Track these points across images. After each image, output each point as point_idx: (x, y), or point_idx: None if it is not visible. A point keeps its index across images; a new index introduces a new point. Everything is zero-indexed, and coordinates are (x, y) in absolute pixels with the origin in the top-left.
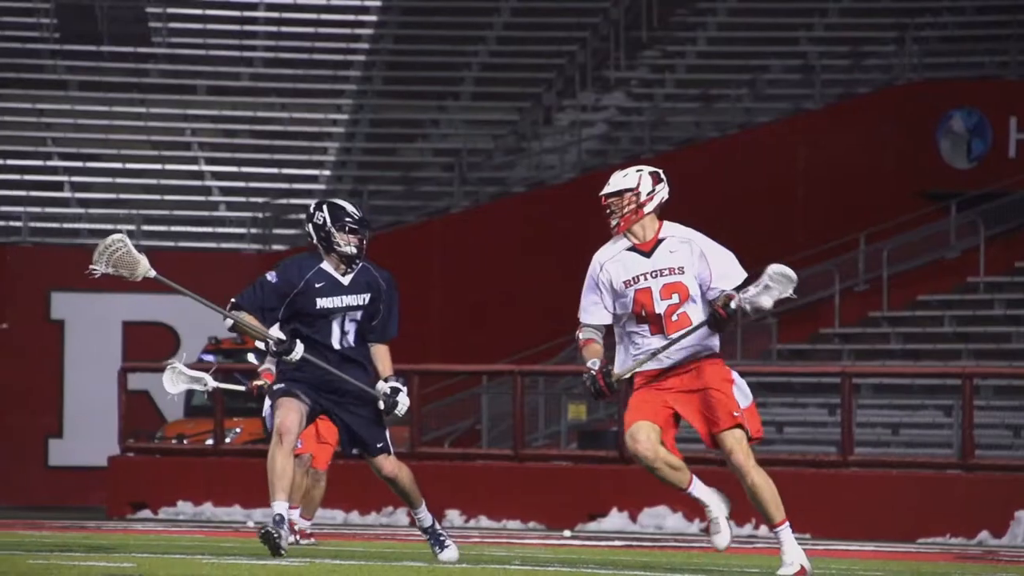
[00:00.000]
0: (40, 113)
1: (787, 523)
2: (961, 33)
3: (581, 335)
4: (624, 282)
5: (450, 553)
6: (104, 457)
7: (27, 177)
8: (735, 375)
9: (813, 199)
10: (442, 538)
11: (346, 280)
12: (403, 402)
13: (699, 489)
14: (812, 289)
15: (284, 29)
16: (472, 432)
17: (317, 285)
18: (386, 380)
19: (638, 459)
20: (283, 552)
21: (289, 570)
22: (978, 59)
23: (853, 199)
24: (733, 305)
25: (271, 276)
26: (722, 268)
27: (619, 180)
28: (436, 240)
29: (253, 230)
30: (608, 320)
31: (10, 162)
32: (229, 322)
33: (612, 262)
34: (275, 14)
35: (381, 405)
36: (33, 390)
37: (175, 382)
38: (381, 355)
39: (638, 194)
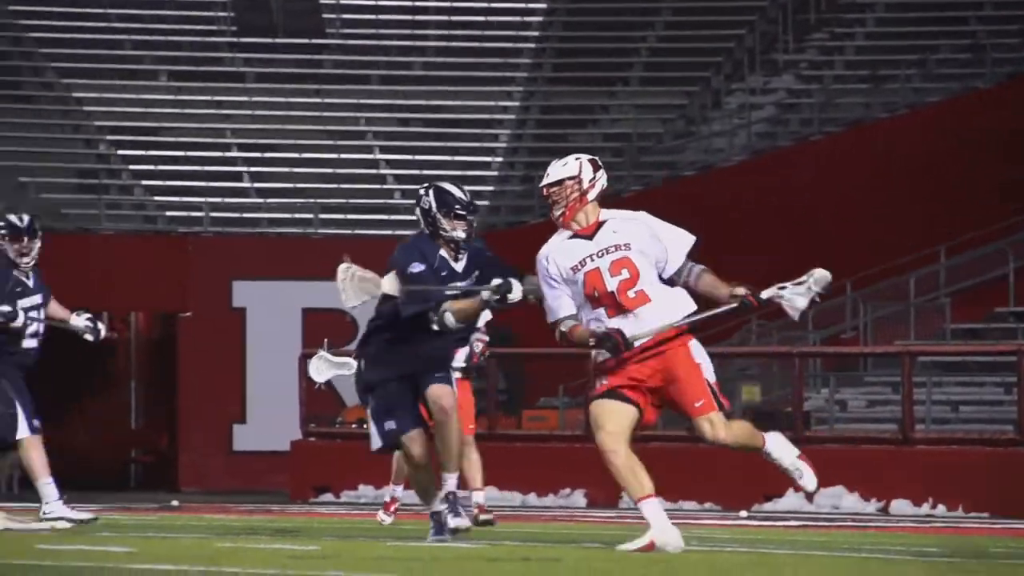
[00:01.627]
0: (219, 105)
1: (767, 438)
2: None
3: (563, 328)
4: (571, 268)
5: (461, 520)
6: (287, 442)
7: (208, 168)
8: (698, 351)
9: (985, 177)
10: (457, 507)
11: (459, 267)
12: (517, 286)
13: (655, 511)
14: (986, 268)
15: (455, 18)
16: None
17: (443, 273)
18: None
19: (601, 447)
20: (453, 533)
21: (471, 552)
22: None
23: None
24: (765, 296)
25: (416, 267)
26: (671, 234)
27: (559, 169)
28: None
29: None
30: (577, 305)
31: (191, 154)
32: (451, 320)
33: (556, 252)
34: (446, 3)
35: (487, 295)
36: (217, 377)
37: (321, 370)
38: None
39: (580, 181)
